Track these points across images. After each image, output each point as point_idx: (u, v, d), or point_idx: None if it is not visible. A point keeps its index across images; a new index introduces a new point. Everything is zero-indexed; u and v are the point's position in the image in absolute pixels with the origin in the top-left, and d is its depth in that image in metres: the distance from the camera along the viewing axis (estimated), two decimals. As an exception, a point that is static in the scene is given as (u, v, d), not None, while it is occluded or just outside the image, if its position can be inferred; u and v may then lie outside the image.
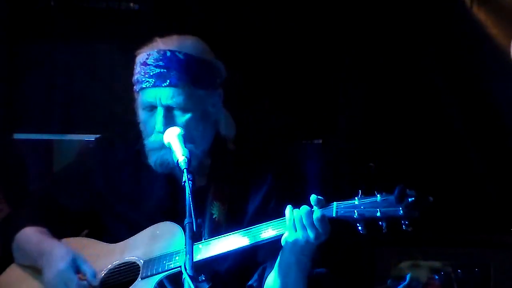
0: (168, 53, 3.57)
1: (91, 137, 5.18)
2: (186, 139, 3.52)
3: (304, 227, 3.35)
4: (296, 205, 3.41)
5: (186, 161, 3.37)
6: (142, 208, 3.69)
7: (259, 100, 5.39)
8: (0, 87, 5.40)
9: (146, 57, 3.60)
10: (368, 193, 3.33)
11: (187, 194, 3.25)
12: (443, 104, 5.51)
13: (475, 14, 5.39)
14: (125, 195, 3.71)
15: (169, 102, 3.55)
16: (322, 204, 3.36)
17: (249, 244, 3.44)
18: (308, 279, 3.53)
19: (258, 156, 3.74)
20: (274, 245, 3.45)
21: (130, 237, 3.65)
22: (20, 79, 5.41)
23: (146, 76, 3.57)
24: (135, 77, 3.63)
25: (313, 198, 3.36)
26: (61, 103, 5.43)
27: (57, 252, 3.62)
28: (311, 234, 3.35)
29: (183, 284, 3.11)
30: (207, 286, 3.51)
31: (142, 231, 3.63)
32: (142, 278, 3.53)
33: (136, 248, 3.61)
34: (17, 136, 5.36)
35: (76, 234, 3.78)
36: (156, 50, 3.59)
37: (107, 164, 3.76)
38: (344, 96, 5.57)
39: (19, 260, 3.75)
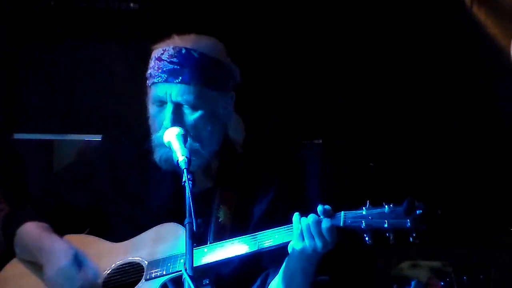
0: (183, 51, 3.56)
1: (91, 137, 5.21)
2: (193, 138, 3.52)
3: (312, 236, 3.34)
4: (303, 211, 3.40)
5: (186, 161, 3.37)
6: (148, 207, 3.68)
7: (259, 101, 5.39)
8: (0, 87, 5.40)
9: (162, 52, 3.59)
10: (376, 203, 3.32)
11: (187, 194, 3.25)
12: (443, 104, 5.51)
13: (475, 14, 5.39)
14: (131, 194, 3.71)
15: (179, 99, 3.54)
16: (329, 214, 3.35)
17: (254, 250, 3.42)
18: (311, 285, 3.53)
19: (266, 160, 3.73)
20: (278, 250, 3.44)
21: (134, 236, 3.64)
22: (20, 79, 5.41)
23: (159, 71, 3.56)
24: (149, 71, 3.62)
25: (320, 208, 3.35)
26: (61, 103, 5.43)
27: (59, 248, 3.61)
28: (318, 244, 3.34)
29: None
30: None
31: (147, 231, 3.62)
32: (146, 280, 3.53)
33: (141, 248, 3.60)
34: (17, 136, 5.36)
35: (79, 231, 3.78)
36: (172, 46, 3.58)
37: (114, 162, 3.75)
38: (344, 96, 5.58)
39: (20, 255, 3.75)
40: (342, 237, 3.36)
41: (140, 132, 3.74)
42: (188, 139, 3.52)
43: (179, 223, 3.51)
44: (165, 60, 3.56)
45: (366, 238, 3.31)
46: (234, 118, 3.72)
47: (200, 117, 3.56)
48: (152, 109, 3.63)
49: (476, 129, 5.47)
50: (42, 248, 3.64)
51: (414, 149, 5.50)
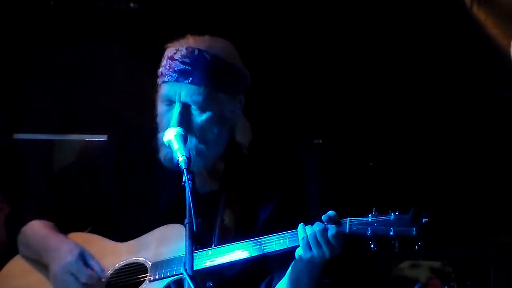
0: (196, 52, 3.55)
1: (91, 137, 5.21)
2: (199, 139, 3.52)
3: (319, 245, 3.34)
4: (308, 215, 3.40)
5: (186, 161, 3.36)
6: (152, 208, 3.68)
7: (258, 101, 5.39)
8: (0, 87, 5.40)
9: (174, 51, 3.58)
10: (382, 210, 3.32)
11: (187, 194, 3.25)
12: (443, 104, 5.50)
13: (475, 14, 5.39)
14: (136, 194, 3.70)
15: (187, 99, 3.54)
16: (335, 220, 3.35)
17: (259, 254, 3.42)
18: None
19: (271, 164, 3.73)
20: (282, 254, 3.43)
21: (138, 236, 3.63)
22: (20, 79, 5.41)
23: (170, 70, 3.56)
24: (160, 69, 3.62)
25: (325, 215, 3.35)
26: (61, 103, 5.42)
27: (65, 247, 3.60)
28: (326, 251, 3.33)
29: None
30: None
31: (151, 232, 3.61)
32: (150, 281, 3.52)
33: (145, 249, 3.59)
34: (17, 136, 5.36)
35: (81, 229, 3.77)
36: (185, 47, 3.57)
37: (119, 162, 3.75)
38: (344, 96, 5.57)
39: (23, 253, 3.75)
40: (346, 241, 3.35)
41: (147, 132, 3.74)
42: (194, 140, 3.52)
43: (183, 224, 3.51)
44: (177, 60, 3.56)
45: (371, 245, 3.31)
46: (242, 123, 3.71)
47: (208, 119, 3.56)
48: (160, 107, 3.63)
49: (476, 129, 5.46)
50: (48, 246, 3.64)
51: (414, 149, 5.50)
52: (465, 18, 5.40)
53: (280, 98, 5.49)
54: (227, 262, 3.44)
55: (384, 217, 3.29)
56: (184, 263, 3.16)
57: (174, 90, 3.56)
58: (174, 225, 3.56)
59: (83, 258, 3.58)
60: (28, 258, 3.74)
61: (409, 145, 5.50)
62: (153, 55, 3.73)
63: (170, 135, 3.49)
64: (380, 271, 5.31)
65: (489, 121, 5.44)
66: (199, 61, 3.54)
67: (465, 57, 5.44)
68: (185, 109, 3.55)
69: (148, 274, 3.53)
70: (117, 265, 3.61)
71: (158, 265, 3.53)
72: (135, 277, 3.56)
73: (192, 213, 3.19)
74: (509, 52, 5.09)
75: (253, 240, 3.43)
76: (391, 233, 3.26)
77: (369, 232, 3.28)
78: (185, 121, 3.53)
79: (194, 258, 3.18)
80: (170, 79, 3.56)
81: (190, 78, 3.53)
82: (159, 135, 3.60)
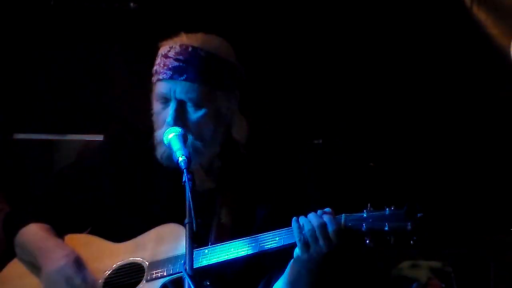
0: (190, 49, 3.55)
1: (91, 137, 5.21)
2: (195, 136, 3.52)
3: (316, 240, 3.34)
4: (306, 213, 3.39)
5: (186, 161, 3.36)
6: (149, 207, 3.68)
7: (259, 101, 5.39)
8: (0, 87, 5.40)
9: (168, 49, 3.59)
10: (377, 205, 3.31)
11: (187, 194, 3.25)
12: (443, 104, 5.51)
13: (475, 14, 5.39)
14: (133, 193, 3.70)
15: (182, 96, 3.54)
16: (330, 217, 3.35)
17: (256, 252, 3.42)
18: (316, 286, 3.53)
19: (269, 162, 3.72)
20: (281, 252, 3.44)
21: (135, 236, 3.64)
22: (20, 79, 5.41)
23: (165, 68, 3.56)
24: (154, 68, 3.62)
25: (320, 212, 3.35)
26: (61, 103, 5.43)
27: (60, 251, 3.61)
28: (324, 246, 3.34)
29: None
30: None
31: (148, 232, 3.61)
32: (147, 281, 3.52)
33: (141, 249, 3.59)
34: (17, 136, 5.36)
35: (80, 230, 3.77)
36: (178, 44, 3.57)
37: (116, 162, 3.75)
38: (344, 96, 5.58)
39: (20, 255, 3.75)
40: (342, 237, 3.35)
41: (143, 131, 3.74)
42: (189, 137, 3.52)
43: (180, 223, 3.50)
44: (171, 57, 3.56)
45: (367, 241, 3.30)
46: (238, 119, 3.71)
47: (203, 115, 3.56)
48: (156, 106, 3.62)
49: (476, 129, 5.46)
50: (44, 249, 3.64)
51: (414, 149, 5.50)
52: (465, 18, 5.40)
53: (280, 98, 5.50)
54: (224, 261, 3.44)
55: (379, 213, 3.29)
56: (184, 263, 3.16)
57: (168, 87, 3.56)
58: (170, 225, 3.56)
59: (78, 263, 3.58)
60: (25, 261, 3.74)
61: (409, 145, 5.50)
62: (153, 55, 3.73)
63: (170, 135, 3.49)
64: (380, 271, 5.31)
65: (489, 121, 5.44)
66: (193, 57, 3.54)
67: (465, 57, 5.44)
68: (181, 106, 3.55)
69: (145, 274, 3.53)
70: (114, 265, 3.60)
71: (155, 265, 3.52)
72: (132, 277, 3.56)
73: (192, 213, 3.19)
74: (509, 52, 5.10)
75: (250, 238, 3.43)
76: (386, 228, 3.26)
77: (364, 228, 3.28)
78: (180, 118, 3.53)
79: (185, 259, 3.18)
80: (164, 77, 3.56)
81: (185, 75, 3.53)
82: (156, 133, 3.60)
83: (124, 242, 3.64)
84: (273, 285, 3.56)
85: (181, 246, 3.47)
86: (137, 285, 3.53)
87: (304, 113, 5.52)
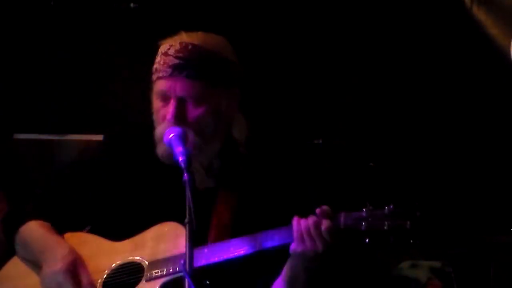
0: (190, 46, 3.56)
1: (91, 137, 5.21)
2: (195, 133, 3.52)
3: (312, 239, 3.34)
4: (306, 212, 3.39)
5: (186, 160, 3.37)
6: (149, 206, 3.68)
7: (258, 101, 5.39)
8: (0, 87, 5.40)
9: (168, 47, 3.60)
10: (376, 204, 3.30)
11: (187, 194, 3.25)
12: (443, 104, 5.50)
13: (475, 14, 5.39)
14: (132, 192, 3.70)
15: (183, 93, 3.55)
16: (329, 215, 3.35)
17: (255, 251, 3.42)
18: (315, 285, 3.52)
19: (269, 162, 3.73)
20: (280, 252, 3.43)
21: (134, 235, 3.64)
22: (20, 79, 5.41)
23: (165, 65, 3.57)
24: (154, 66, 3.63)
25: (318, 210, 3.35)
26: (61, 103, 5.43)
27: (60, 251, 3.60)
28: (319, 245, 3.34)
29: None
30: None
31: (147, 230, 3.61)
32: (146, 281, 3.52)
33: (141, 248, 3.59)
34: (17, 136, 5.36)
35: (79, 229, 3.77)
36: (178, 42, 3.59)
37: (115, 160, 3.75)
38: (344, 96, 5.57)
39: (20, 254, 3.75)
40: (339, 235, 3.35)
41: (143, 130, 3.74)
42: (190, 134, 3.52)
43: (180, 222, 3.50)
44: (171, 55, 3.57)
45: (366, 240, 3.30)
46: (238, 117, 3.71)
47: (203, 112, 3.56)
48: (156, 103, 3.63)
49: (476, 129, 5.46)
50: (44, 248, 3.64)
51: (414, 149, 5.50)
52: (465, 18, 5.40)
53: (280, 98, 5.49)
54: (223, 260, 3.44)
55: (378, 211, 3.28)
56: (184, 262, 3.16)
57: (169, 85, 3.56)
58: (169, 223, 3.56)
59: (75, 267, 3.58)
60: (25, 260, 3.74)
61: (409, 145, 5.50)
62: (153, 54, 3.73)
63: (170, 135, 3.50)
64: (380, 271, 5.31)
65: (489, 121, 5.44)
66: (193, 55, 3.55)
67: (465, 57, 5.44)
68: (181, 104, 3.55)
69: (144, 273, 3.53)
70: (113, 264, 3.60)
71: (154, 264, 3.52)
72: (131, 277, 3.55)
73: (192, 212, 3.19)
74: (509, 52, 5.09)
75: (248, 236, 3.43)
76: (386, 227, 3.25)
77: (363, 227, 3.27)
78: (181, 115, 3.54)
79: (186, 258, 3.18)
80: (164, 74, 3.57)
81: (185, 72, 3.54)
82: (156, 131, 3.61)
83: (123, 241, 3.64)
84: (272, 283, 3.57)
85: (180, 245, 3.46)
86: (136, 285, 3.53)
87: (304, 113, 5.51)
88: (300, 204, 3.54)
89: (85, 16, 5.41)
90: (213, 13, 5.37)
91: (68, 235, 3.71)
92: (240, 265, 3.54)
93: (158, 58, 3.62)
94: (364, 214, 3.29)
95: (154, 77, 3.63)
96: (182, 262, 3.40)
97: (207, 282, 3.47)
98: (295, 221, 3.37)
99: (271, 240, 3.40)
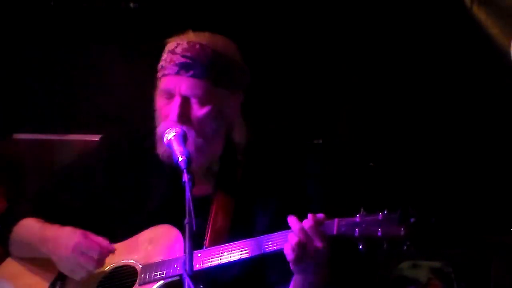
0: (198, 46, 3.56)
1: (91, 137, 5.20)
2: (197, 133, 3.51)
3: (305, 252, 3.31)
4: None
5: (186, 161, 3.36)
6: (144, 208, 3.67)
7: (258, 102, 5.39)
8: (0, 87, 5.40)
9: (175, 45, 3.59)
10: (370, 209, 3.28)
11: (187, 194, 3.24)
12: (443, 104, 5.50)
13: (475, 14, 5.38)
14: (128, 194, 3.70)
15: (188, 92, 3.54)
16: (321, 223, 3.32)
17: (251, 256, 3.40)
18: None
19: (267, 171, 3.71)
20: (286, 264, 3.40)
21: (130, 237, 3.63)
22: (20, 79, 5.41)
23: (171, 63, 3.56)
24: (161, 63, 3.62)
25: (311, 216, 3.32)
26: (61, 103, 5.42)
27: (66, 232, 3.59)
28: (314, 256, 3.31)
29: None
30: None
31: (141, 233, 3.60)
32: (140, 285, 3.51)
33: (135, 251, 3.58)
34: (17, 136, 5.36)
35: None
36: (186, 41, 3.58)
37: (111, 162, 3.74)
38: (344, 97, 5.57)
39: (16, 253, 3.73)
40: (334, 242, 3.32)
41: (140, 131, 3.73)
42: (192, 134, 3.51)
43: (175, 224, 3.50)
44: (178, 54, 3.56)
45: (360, 246, 3.27)
46: (239, 121, 3.70)
47: (207, 113, 3.55)
48: (159, 101, 3.62)
49: (476, 129, 5.46)
50: (46, 237, 3.62)
51: (414, 149, 5.49)
52: (465, 18, 5.40)
53: (280, 98, 5.49)
54: (219, 265, 3.42)
55: (372, 217, 3.26)
56: (184, 263, 3.15)
57: (174, 83, 3.56)
58: (163, 226, 3.55)
59: (87, 236, 3.56)
60: (21, 259, 3.73)
61: (409, 145, 5.50)
62: (153, 54, 3.73)
63: (170, 135, 3.49)
64: (380, 271, 5.31)
65: (489, 121, 5.44)
66: (201, 55, 3.54)
67: (465, 57, 5.44)
68: (185, 102, 3.55)
69: (138, 277, 3.52)
70: (107, 267, 3.59)
71: (148, 268, 3.51)
72: (125, 280, 3.54)
73: (192, 213, 3.18)
74: (509, 52, 5.09)
75: (246, 242, 3.41)
76: (379, 233, 3.23)
77: (356, 233, 3.25)
78: (184, 114, 3.53)
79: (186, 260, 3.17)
80: (170, 72, 3.56)
81: (191, 71, 3.53)
82: (158, 129, 3.60)
83: (118, 243, 3.63)
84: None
85: (174, 248, 3.47)
86: None
87: (304, 113, 5.51)
88: (301, 208, 3.53)
89: (85, 16, 5.41)
90: (213, 14, 5.37)
91: None
92: (238, 271, 3.53)
93: (164, 56, 3.61)
94: (357, 219, 3.27)
95: (159, 74, 3.62)
96: (176, 266, 3.40)
97: (201, 287, 3.45)
98: (292, 223, 3.35)
99: (269, 245, 3.38)
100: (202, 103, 3.55)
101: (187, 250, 3.15)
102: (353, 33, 5.49)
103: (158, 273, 3.46)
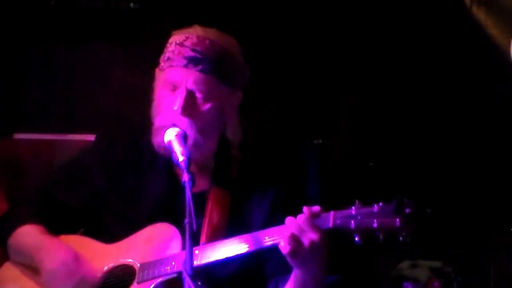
0: (207, 41, 3.56)
1: (91, 137, 5.20)
2: (197, 128, 3.52)
3: (300, 245, 3.31)
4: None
5: (186, 161, 3.36)
6: (141, 207, 3.67)
7: (258, 101, 5.39)
8: (0, 87, 5.40)
9: (184, 38, 3.57)
10: (365, 202, 3.28)
11: (187, 194, 3.24)
12: (443, 104, 5.51)
13: (475, 14, 5.39)
14: (124, 193, 3.69)
15: (194, 86, 3.54)
16: (317, 215, 3.32)
17: (248, 251, 3.40)
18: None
19: (263, 163, 3.72)
20: (284, 258, 3.40)
21: (127, 236, 3.63)
22: (20, 79, 5.41)
23: (180, 56, 3.55)
24: (166, 55, 3.60)
25: (306, 209, 3.33)
26: (61, 103, 5.42)
27: (60, 246, 3.59)
28: (310, 250, 3.31)
29: None
30: None
31: (139, 232, 3.60)
32: (138, 283, 3.51)
33: (132, 250, 3.58)
34: (17, 136, 5.36)
35: (73, 231, 3.77)
36: (195, 35, 3.57)
37: (107, 161, 3.74)
38: (344, 97, 5.58)
39: (14, 258, 3.74)
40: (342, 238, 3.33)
41: (135, 131, 3.74)
42: (191, 132, 3.52)
43: (172, 223, 3.50)
44: (188, 47, 3.55)
45: (356, 239, 3.27)
46: (234, 120, 3.71)
47: (209, 109, 3.56)
48: (161, 91, 3.60)
49: (476, 129, 5.46)
50: (41, 247, 3.62)
51: (414, 149, 5.50)
52: (465, 18, 5.40)
53: (280, 98, 5.49)
54: (217, 261, 3.42)
55: (367, 209, 3.25)
56: (184, 263, 3.15)
57: (182, 75, 3.55)
58: (160, 224, 3.55)
59: (78, 257, 3.57)
60: (19, 264, 3.73)
61: (409, 145, 5.50)
62: (153, 54, 3.72)
63: (171, 135, 3.49)
64: (380, 271, 5.31)
65: (489, 121, 5.44)
66: (210, 50, 3.54)
67: (465, 57, 5.45)
68: (190, 96, 3.55)
69: (136, 275, 3.52)
70: (106, 267, 3.59)
71: (146, 266, 3.51)
72: (123, 279, 3.55)
73: (193, 212, 3.19)
74: (509, 52, 5.10)
75: (242, 237, 3.42)
76: (375, 225, 3.22)
77: (352, 225, 3.24)
78: (189, 107, 3.53)
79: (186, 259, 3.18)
80: (179, 64, 3.55)
81: (200, 66, 3.53)
82: (157, 118, 3.59)
83: (116, 243, 3.62)
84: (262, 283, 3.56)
85: (171, 246, 3.47)
86: (128, 287, 3.53)
87: (304, 113, 5.51)
88: (300, 203, 3.53)
89: (85, 16, 5.41)
90: (213, 14, 5.37)
91: (63, 237, 3.70)
92: (237, 267, 3.54)
93: (171, 47, 3.59)
94: (353, 212, 3.27)
95: (164, 65, 3.60)
96: (173, 264, 3.40)
97: (199, 283, 3.45)
98: (287, 221, 3.35)
99: (267, 240, 3.38)
100: (206, 99, 3.56)
101: (187, 250, 3.15)
102: (353, 33, 5.49)
103: (156, 270, 3.46)
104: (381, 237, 3.21)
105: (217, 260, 3.41)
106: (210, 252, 3.42)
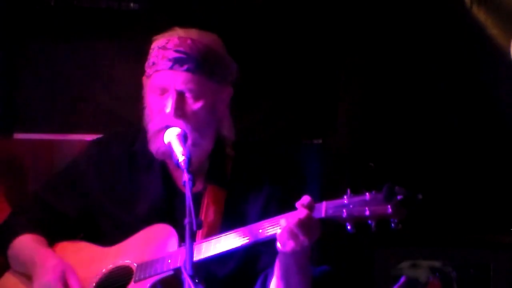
0: (189, 41, 3.58)
1: (91, 137, 5.20)
2: (193, 127, 3.52)
3: (296, 236, 3.32)
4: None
5: (186, 161, 3.37)
6: (137, 210, 3.68)
7: (258, 101, 5.39)
8: (0, 87, 5.39)
9: (166, 42, 3.61)
10: (357, 191, 3.30)
11: (187, 194, 3.25)
12: (443, 104, 5.50)
13: (475, 14, 5.39)
14: (120, 197, 3.70)
15: (183, 87, 3.56)
16: (310, 207, 3.33)
17: (242, 245, 3.41)
18: (313, 278, 3.51)
19: (257, 163, 3.73)
20: (275, 250, 3.42)
21: (124, 239, 3.63)
22: (20, 79, 5.41)
23: (164, 59, 3.58)
24: (150, 60, 3.63)
25: (299, 203, 3.33)
26: (61, 103, 5.42)
27: (49, 264, 3.61)
28: (304, 241, 3.31)
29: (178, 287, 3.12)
30: None
31: (136, 234, 3.62)
32: (135, 282, 3.52)
33: (130, 251, 3.59)
34: (17, 136, 5.36)
35: (72, 237, 3.77)
36: (176, 37, 3.60)
37: (102, 166, 3.75)
38: (344, 96, 5.57)
39: (14, 267, 3.75)
40: (341, 238, 3.34)
41: (129, 134, 3.74)
42: (188, 132, 3.52)
43: (168, 222, 3.51)
44: (171, 49, 3.57)
45: (348, 228, 3.28)
46: (228, 116, 3.72)
47: (201, 107, 3.58)
48: (151, 98, 3.63)
49: (476, 129, 5.46)
50: (35, 261, 3.64)
51: (414, 149, 5.50)
52: (465, 18, 5.40)
53: (280, 98, 5.49)
54: (212, 256, 3.42)
55: (359, 198, 3.27)
56: (184, 262, 3.16)
57: (169, 78, 3.57)
58: (157, 225, 3.57)
59: (64, 277, 3.57)
60: (19, 273, 3.74)
61: (409, 145, 5.50)
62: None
63: (171, 135, 3.50)
64: (380, 271, 5.31)
65: (489, 121, 5.44)
66: (193, 49, 3.56)
67: (465, 57, 5.44)
68: (180, 97, 3.56)
69: (133, 275, 3.52)
70: (104, 270, 3.60)
71: (143, 266, 3.52)
72: (121, 280, 3.55)
73: (193, 213, 3.19)
74: (509, 52, 5.09)
75: (235, 232, 3.41)
76: (367, 213, 3.23)
77: (344, 214, 3.26)
78: (180, 108, 3.54)
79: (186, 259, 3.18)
80: (164, 68, 3.58)
81: (186, 66, 3.55)
82: (150, 125, 3.60)
83: (114, 246, 3.64)
84: (269, 282, 3.56)
85: (168, 245, 3.48)
86: (126, 287, 3.53)
87: (304, 113, 5.51)
88: (287, 201, 3.53)
89: (85, 16, 5.41)
90: (212, 13, 5.37)
91: (60, 245, 3.71)
92: (234, 263, 3.54)
93: (154, 52, 3.62)
94: (345, 201, 3.28)
95: (149, 71, 3.63)
96: (169, 262, 3.41)
97: (196, 280, 3.46)
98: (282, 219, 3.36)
99: (261, 232, 3.39)
100: (196, 98, 3.57)
101: (187, 250, 3.15)
102: (353, 33, 5.49)
103: (153, 269, 3.47)
104: (373, 224, 3.23)
105: (214, 255, 3.42)
106: (206, 247, 3.43)
